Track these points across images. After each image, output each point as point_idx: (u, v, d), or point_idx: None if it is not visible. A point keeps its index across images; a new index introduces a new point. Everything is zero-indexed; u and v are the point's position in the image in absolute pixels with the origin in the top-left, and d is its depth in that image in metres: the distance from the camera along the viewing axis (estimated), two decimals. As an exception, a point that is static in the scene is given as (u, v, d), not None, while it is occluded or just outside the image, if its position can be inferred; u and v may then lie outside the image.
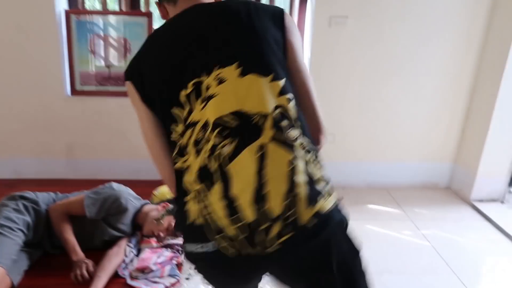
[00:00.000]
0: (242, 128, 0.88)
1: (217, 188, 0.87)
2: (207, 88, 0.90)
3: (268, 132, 0.87)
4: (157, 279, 1.78)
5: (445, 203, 2.79)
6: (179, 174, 0.94)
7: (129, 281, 1.76)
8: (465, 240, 2.31)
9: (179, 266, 1.90)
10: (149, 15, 2.61)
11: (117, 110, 2.70)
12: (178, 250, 1.95)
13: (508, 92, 2.52)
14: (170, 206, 2.03)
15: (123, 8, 2.68)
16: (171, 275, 1.81)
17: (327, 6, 2.53)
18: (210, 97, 0.90)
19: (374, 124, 2.79)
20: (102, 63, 2.66)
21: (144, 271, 1.79)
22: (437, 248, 2.20)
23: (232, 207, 0.86)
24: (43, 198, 1.95)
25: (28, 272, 1.78)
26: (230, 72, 0.90)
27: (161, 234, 1.97)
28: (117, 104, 2.69)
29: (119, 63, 2.67)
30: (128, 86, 1.02)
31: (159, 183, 2.49)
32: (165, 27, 1.02)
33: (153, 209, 2.03)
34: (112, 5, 2.77)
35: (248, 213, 0.85)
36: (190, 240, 0.93)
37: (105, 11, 2.65)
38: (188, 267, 1.96)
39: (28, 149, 2.74)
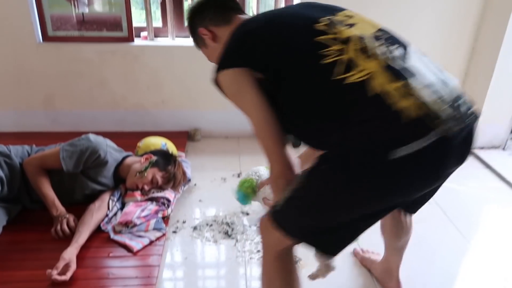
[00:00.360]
0: (393, 39, 1.00)
1: (416, 80, 0.89)
2: (341, 21, 1.00)
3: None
4: (142, 233, 1.71)
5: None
6: (358, 86, 0.89)
7: (112, 236, 1.69)
8: (463, 188, 2.24)
9: (165, 219, 1.82)
10: None
11: (96, 57, 2.51)
12: (163, 203, 1.86)
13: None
14: (154, 157, 1.92)
15: None
16: (156, 229, 1.74)
17: None
18: (351, 25, 1.00)
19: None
20: (75, 5, 2.43)
21: (128, 225, 1.72)
22: (434, 196, 2.12)
23: (434, 91, 0.89)
24: (16, 151, 1.83)
25: (6, 228, 1.71)
26: (352, 13, 1.06)
27: (145, 187, 1.88)
28: (96, 51, 2.49)
29: (92, 5, 2.44)
30: (232, 75, 1.03)
31: (146, 134, 2.38)
32: (258, 17, 1.12)
33: (136, 161, 1.92)
34: None
35: (447, 93, 0.90)
36: (410, 138, 0.84)
37: None
38: (176, 220, 1.88)
39: (4, 101, 2.57)
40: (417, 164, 0.86)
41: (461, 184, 2.26)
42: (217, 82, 1.09)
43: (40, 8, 2.40)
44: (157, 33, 2.63)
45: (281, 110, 1.02)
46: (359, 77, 0.90)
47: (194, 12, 1.24)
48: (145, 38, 2.61)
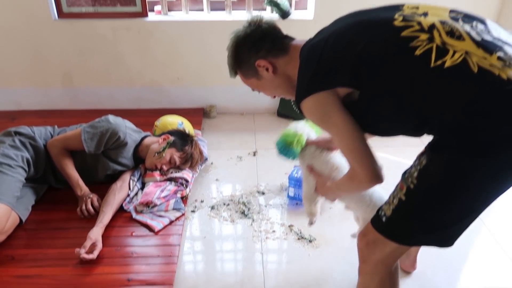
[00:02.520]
0: (469, 16, 0.99)
1: (510, 49, 0.91)
2: (413, 14, 0.99)
3: None
4: (162, 213, 1.78)
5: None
6: (460, 67, 0.89)
7: (135, 216, 1.77)
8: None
9: (183, 199, 1.88)
10: None
11: (110, 33, 2.50)
12: (182, 184, 1.92)
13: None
14: (171, 138, 1.96)
15: None
16: (175, 209, 1.81)
17: None
18: (424, 14, 0.99)
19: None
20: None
21: (148, 205, 1.79)
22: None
23: None
24: (40, 133, 1.89)
25: (35, 207, 1.80)
26: (414, 4, 1.05)
27: (164, 167, 1.94)
28: (110, 26, 2.48)
29: (107, -21, 2.40)
30: (315, 101, 1.04)
31: (162, 111, 2.41)
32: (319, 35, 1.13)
33: (154, 142, 1.97)
34: None
35: None
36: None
37: None
38: (194, 200, 1.95)
39: (24, 78, 2.62)
40: None
41: None
42: (301, 109, 1.09)
43: (53, -16, 2.38)
44: (170, 7, 2.59)
45: (373, 111, 1.03)
46: (457, 58, 0.90)
47: (245, 44, 1.18)
48: (159, 12, 2.58)
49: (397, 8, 1.04)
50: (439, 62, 0.90)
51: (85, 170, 1.88)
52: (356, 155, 1.05)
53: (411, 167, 1.02)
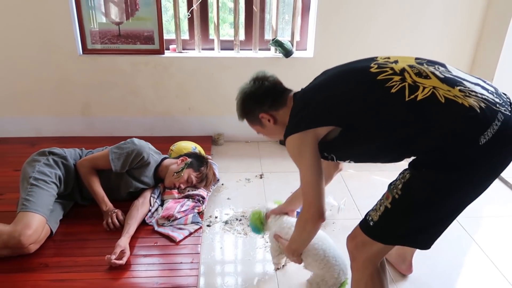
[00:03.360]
0: (431, 61, 1.24)
1: (467, 83, 1.16)
2: (386, 62, 1.23)
3: None
4: (181, 226, 1.95)
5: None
6: (430, 99, 1.11)
7: (157, 228, 1.93)
8: (490, 212, 2.40)
9: (200, 214, 2.06)
10: (156, -30, 2.59)
11: (129, 67, 2.75)
12: (199, 200, 2.10)
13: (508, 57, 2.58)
14: (189, 160, 2.16)
15: (130, -37, 2.65)
16: (194, 222, 1.97)
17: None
18: (395, 61, 1.23)
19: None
20: (112, 20, 2.67)
21: (169, 218, 1.95)
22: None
23: (483, 87, 1.16)
24: (70, 153, 2.07)
25: (62, 221, 1.95)
26: (385, 55, 1.30)
27: (182, 186, 2.12)
28: (129, 62, 2.74)
29: (127, 20, 2.68)
30: (298, 138, 1.26)
31: (173, 139, 2.62)
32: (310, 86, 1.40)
33: (173, 163, 2.16)
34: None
35: (490, 88, 1.19)
36: (487, 124, 1.08)
37: (111, -33, 2.62)
38: (209, 216, 2.12)
39: (46, 107, 2.82)
40: (501, 142, 1.08)
41: (491, 210, 2.42)
42: (287, 144, 1.31)
43: (81, 23, 2.65)
44: (184, 45, 2.87)
45: (357, 141, 1.25)
46: (427, 92, 1.11)
47: (251, 99, 1.42)
48: (174, 50, 2.85)
49: (372, 59, 1.28)
50: (412, 97, 1.12)
51: (110, 187, 2.05)
52: (310, 189, 1.27)
53: (396, 179, 1.23)
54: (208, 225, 2.06)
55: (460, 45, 2.78)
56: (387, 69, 1.20)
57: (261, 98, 1.40)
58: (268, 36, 2.89)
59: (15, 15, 2.56)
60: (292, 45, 2.80)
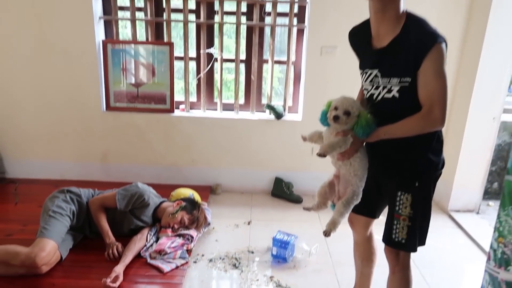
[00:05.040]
0: None
1: None
2: None
3: None
4: (170, 260, 2.26)
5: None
6: None
7: (149, 261, 2.25)
8: (433, 243, 2.67)
9: (188, 251, 2.36)
10: (170, 44, 3.13)
11: (143, 123, 3.22)
12: (188, 239, 2.42)
13: (477, 109, 2.89)
14: (183, 203, 2.51)
15: (150, 38, 3.21)
16: (181, 257, 2.28)
17: (319, 36, 2.99)
18: None
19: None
20: (132, 84, 3.20)
21: (160, 253, 2.27)
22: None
23: None
24: (85, 192, 2.46)
25: (72, 251, 2.30)
26: None
27: (175, 226, 2.46)
28: (144, 118, 3.22)
29: (146, 83, 3.20)
30: (445, 52, 1.38)
31: (177, 186, 2.99)
32: None
33: (169, 206, 2.52)
34: (141, 35, 3.31)
35: None
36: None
37: (134, 41, 3.18)
38: (196, 254, 2.42)
39: (70, 154, 3.30)
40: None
41: (433, 239, 2.68)
42: (437, 49, 1.35)
43: (107, 84, 3.18)
44: (192, 106, 3.35)
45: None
46: None
47: None
48: (183, 110, 3.32)
49: None
50: None
51: (114, 224, 2.41)
52: (443, 99, 1.37)
53: (398, 207, 1.54)
54: (195, 262, 2.36)
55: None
56: None
57: None
58: (265, 100, 3.33)
59: (55, 78, 3.12)
60: (284, 109, 3.23)
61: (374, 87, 1.53)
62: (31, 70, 3.11)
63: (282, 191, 3.23)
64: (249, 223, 2.84)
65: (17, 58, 3.09)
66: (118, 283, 2.00)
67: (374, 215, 1.79)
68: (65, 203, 2.31)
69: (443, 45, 1.36)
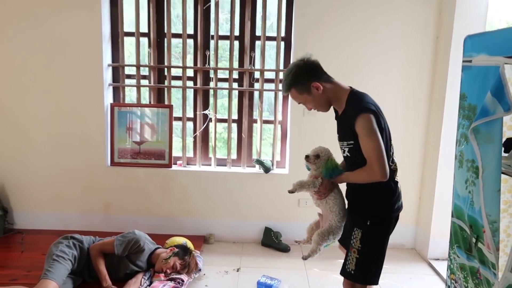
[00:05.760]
0: None
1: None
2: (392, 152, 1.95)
3: None
4: (161, 302, 2.43)
5: (406, 261, 3.31)
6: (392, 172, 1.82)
7: (142, 302, 2.42)
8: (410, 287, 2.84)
9: (179, 294, 2.54)
10: (170, 107, 3.52)
11: (143, 177, 3.52)
12: (179, 283, 2.60)
13: (445, 163, 3.16)
14: (176, 250, 2.72)
15: (152, 101, 3.61)
16: (172, 300, 2.46)
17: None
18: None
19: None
20: (136, 140, 3.54)
21: (153, 295, 2.46)
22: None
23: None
24: (87, 239, 2.70)
25: (71, 293, 2.49)
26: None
27: (168, 271, 2.65)
28: (144, 173, 3.52)
29: (148, 141, 3.55)
30: (372, 118, 1.72)
31: (170, 236, 3.21)
32: None
33: (163, 252, 2.73)
34: (145, 98, 3.71)
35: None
36: (400, 199, 1.89)
37: (139, 104, 3.58)
38: (186, 297, 2.59)
39: (75, 206, 3.56)
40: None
41: (411, 285, 2.86)
42: (361, 118, 1.71)
43: (112, 142, 3.53)
44: (188, 161, 3.66)
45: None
46: (394, 167, 1.87)
47: (312, 69, 1.81)
48: (180, 164, 3.63)
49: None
50: (392, 166, 1.85)
51: (111, 268, 2.62)
52: (378, 156, 1.69)
53: (352, 241, 1.85)
54: (184, 304, 2.53)
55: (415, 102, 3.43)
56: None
57: (314, 71, 1.82)
58: (255, 156, 3.64)
59: (66, 135, 3.49)
60: (272, 164, 3.53)
61: (340, 146, 1.95)
62: (45, 129, 3.49)
63: (271, 240, 3.42)
64: (238, 270, 3.02)
65: (33, 118, 3.47)
66: (112, 322, 2.18)
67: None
68: (68, 248, 2.54)
69: (370, 115, 1.72)
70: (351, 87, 1.89)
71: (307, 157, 1.96)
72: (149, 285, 2.59)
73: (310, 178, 1.95)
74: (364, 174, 1.76)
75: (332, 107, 1.95)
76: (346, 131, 1.82)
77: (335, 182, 1.92)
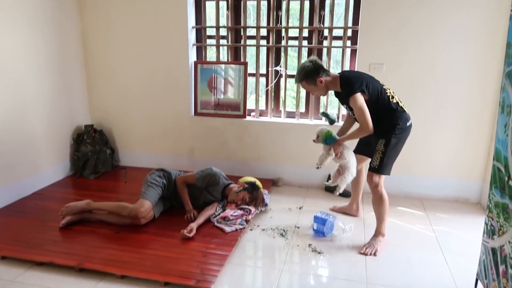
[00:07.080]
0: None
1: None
2: (387, 89, 2.74)
3: None
4: (232, 224, 2.92)
5: (468, 213, 3.37)
6: (396, 102, 2.68)
7: (216, 224, 2.95)
8: (465, 235, 2.95)
9: (246, 221, 3.01)
10: (245, 64, 3.89)
11: (221, 126, 4.01)
12: (247, 212, 3.06)
13: None
14: (246, 185, 3.17)
15: (229, 59, 4.01)
16: (240, 224, 2.94)
17: (368, 55, 3.50)
18: (389, 89, 2.77)
19: (415, 145, 3.52)
20: (215, 94, 4.02)
21: (225, 219, 2.96)
22: (438, 236, 2.91)
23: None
24: (174, 172, 3.28)
25: (162, 213, 3.10)
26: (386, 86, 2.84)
27: (238, 202, 3.13)
28: (222, 122, 4.00)
29: (224, 95, 4.00)
30: (360, 95, 2.56)
31: (241, 176, 3.68)
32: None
33: (235, 186, 3.21)
34: (223, 56, 4.13)
35: None
36: (410, 118, 2.69)
37: (218, 61, 4.02)
38: (253, 224, 3.06)
39: (166, 149, 4.22)
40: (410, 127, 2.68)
41: (466, 233, 2.95)
42: (352, 98, 2.55)
43: (196, 95, 4.05)
44: (261, 113, 4.05)
45: (373, 110, 2.58)
46: (396, 100, 2.67)
47: (318, 68, 2.63)
48: (253, 116, 4.04)
49: (382, 84, 2.72)
50: (393, 100, 2.64)
51: (193, 197, 3.17)
52: (366, 120, 2.54)
53: (377, 146, 2.66)
54: (251, 229, 3.00)
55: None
56: (388, 90, 2.71)
57: (319, 70, 2.64)
58: (322, 109, 3.89)
59: (158, 90, 4.09)
60: (338, 117, 3.76)
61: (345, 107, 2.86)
62: (141, 84, 4.12)
63: (334, 186, 3.71)
64: (300, 208, 3.39)
65: (133, 76, 4.12)
66: (192, 234, 2.73)
67: (367, 155, 2.94)
68: (159, 178, 3.14)
69: (356, 94, 2.54)
70: (339, 73, 2.69)
71: (314, 140, 2.89)
72: (223, 212, 3.10)
73: (323, 151, 2.86)
74: (358, 131, 2.66)
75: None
76: (345, 103, 2.70)
77: (339, 142, 2.77)
